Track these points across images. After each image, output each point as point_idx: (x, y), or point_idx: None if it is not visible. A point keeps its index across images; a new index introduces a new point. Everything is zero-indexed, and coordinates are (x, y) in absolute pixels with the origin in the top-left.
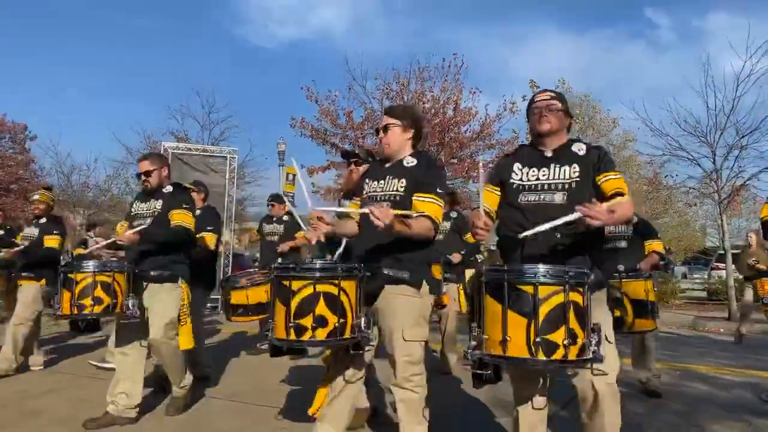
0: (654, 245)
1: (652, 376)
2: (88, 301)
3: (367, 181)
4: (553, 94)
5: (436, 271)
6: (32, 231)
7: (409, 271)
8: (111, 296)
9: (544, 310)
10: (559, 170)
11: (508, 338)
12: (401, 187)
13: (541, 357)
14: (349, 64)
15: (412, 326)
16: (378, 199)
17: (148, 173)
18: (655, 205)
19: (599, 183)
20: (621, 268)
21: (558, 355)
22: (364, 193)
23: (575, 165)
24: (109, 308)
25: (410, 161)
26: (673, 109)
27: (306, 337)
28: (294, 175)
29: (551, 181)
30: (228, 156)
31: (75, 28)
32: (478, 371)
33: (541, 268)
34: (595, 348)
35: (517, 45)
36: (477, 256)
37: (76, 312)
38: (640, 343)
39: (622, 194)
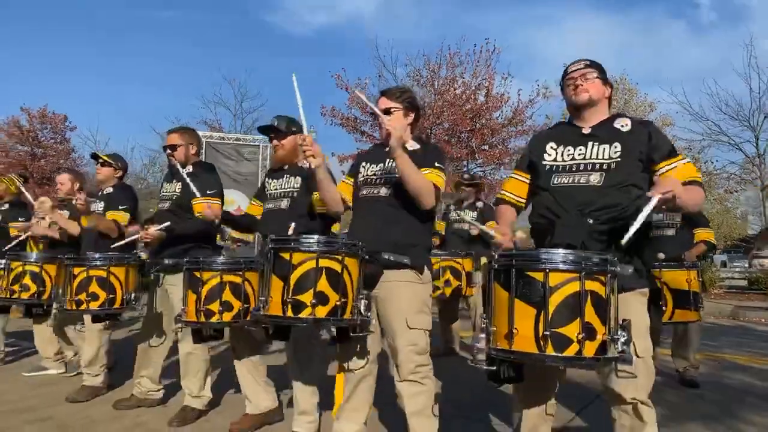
0: (703, 234)
1: (690, 367)
2: (83, 297)
3: (363, 164)
4: (587, 62)
5: (467, 264)
6: None
7: (410, 256)
8: (107, 292)
9: (555, 300)
10: (598, 149)
11: (515, 330)
12: None
13: (551, 352)
14: (379, 51)
15: (415, 313)
16: (377, 182)
17: (174, 147)
18: None
19: (660, 174)
20: (661, 256)
21: (571, 351)
22: (360, 176)
23: (617, 143)
24: (105, 304)
25: (413, 145)
26: (713, 93)
27: (305, 314)
28: None
29: (588, 161)
30: (260, 144)
31: (111, 20)
32: (489, 368)
33: (556, 253)
34: (623, 347)
35: (550, 27)
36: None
37: (74, 308)
38: (683, 334)
39: (696, 182)
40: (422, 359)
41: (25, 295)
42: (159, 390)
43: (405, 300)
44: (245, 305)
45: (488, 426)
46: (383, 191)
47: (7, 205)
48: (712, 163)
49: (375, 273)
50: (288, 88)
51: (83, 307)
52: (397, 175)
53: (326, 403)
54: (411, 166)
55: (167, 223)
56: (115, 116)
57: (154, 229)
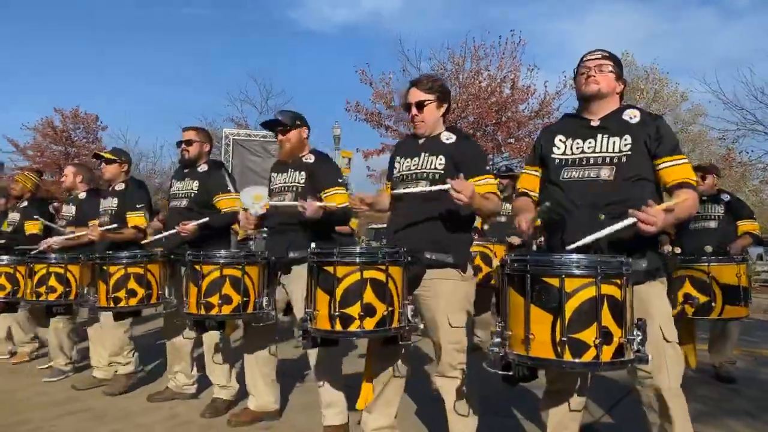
0: (748, 225)
1: (726, 362)
2: (122, 294)
3: (398, 159)
4: (605, 54)
5: (500, 251)
6: (14, 216)
7: (452, 254)
8: (145, 288)
9: (571, 306)
10: (607, 141)
11: (531, 336)
12: (440, 164)
13: (568, 358)
14: (403, 45)
15: (457, 311)
16: (414, 178)
17: (189, 142)
18: (728, 183)
19: (658, 169)
20: (708, 249)
21: (588, 356)
22: (396, 171)
23: (626, 136)
24: (144, 300)
25: (449, 137)
26: (748, 81)
27: (354, 327)
28: (350, 159)
29: (597, 154)
30: None
31: (140, 20)
32: (506, 372)
33: (569, 257)
34: (639, 347)
35: (577, 17)
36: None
37: (112, 305)
38: (722, 329)
39: (689, 185)
40: (464, 357)
41: (52, 297)
42: (193, 384)
43: (447, 298)
44: (245, 299)
45: (516, 422)
46: (421, 187)
47: (26, 203)
48: (747, 153)
49: (418, 274)
50: (311, 84)
51: (122, 303)
52: (433, 170)
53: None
54: (482, 202)
55: (206, 219)
56: (144, 115)
57: (192, 225)
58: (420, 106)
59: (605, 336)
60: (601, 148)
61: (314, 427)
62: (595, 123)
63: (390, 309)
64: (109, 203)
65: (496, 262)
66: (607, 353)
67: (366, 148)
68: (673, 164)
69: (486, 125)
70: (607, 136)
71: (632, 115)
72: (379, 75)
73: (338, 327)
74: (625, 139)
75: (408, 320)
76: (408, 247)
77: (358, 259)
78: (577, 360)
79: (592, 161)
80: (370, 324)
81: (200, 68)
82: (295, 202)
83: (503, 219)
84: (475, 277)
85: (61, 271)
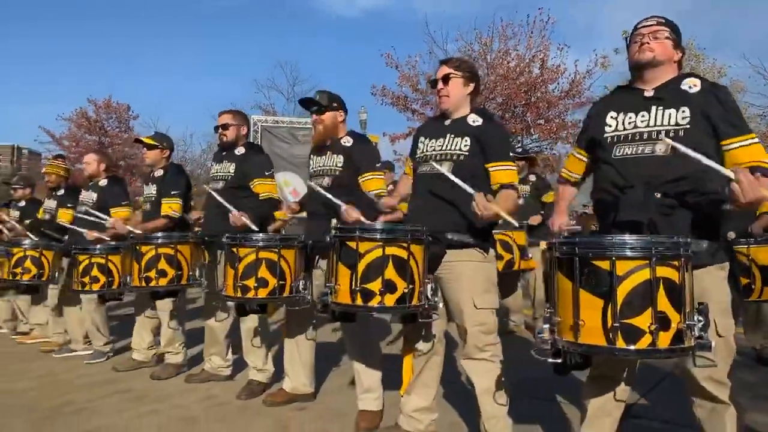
0: (766, 205)
1: (767, 344)
2: (153, 274)
3: (422, 139)
4: (660, 20)
5: (520, 237)
6: (51, 204)
7: (474, 235)
8: (175, 268)
9: (624, 290)
10: (663, 114)
11: (581, 322)
12: (465, 146)
13: (622, 345)
14: (429, 27)
15: (482, 293)
16: (438, 159)
17: (225, 126)
18: None
19: (725, 151)
20: (732, 235)
21: (643, 343)
22: (419, 152)
23: (684, 107)
24: (174, 281)
25: (475, 119)
26: None
27: (374, 302)
28: (376, 143)
29: (652, 128)
30: None
31: (169, 10)
32: (555, 360)
33: (621, 238)
34: (700, 333)
35: None
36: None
37: (144, 285)
38: (756, 311)
39: (762, 168)
40: (491, 338)
41: (96, 287)
42: (228, 366)
43: (472, 280)
44: (281, 282)
45: (554, 405)
46: (445, 168)
47: (62, 191)
48: None
49: (439, 254)
50: (338, 70)
51: (153, 284)
52: (458, 152)
53: (391, 381)
54: (506, 209)
55: (255, 228)
56: (174, 104)
57: (245, 221)
58: (446, 79)
59: (662, 321)
60: (655, 122)
61: (348, 409)
62: (648, 93)
63: (410, 287)
64: (150, 190)
65: (515, 248)
66: (665, 339)
67: (392, 132)
68: (742, 144)
69: (515, 106)
70: (662, 108)
71: (692, 84)
72: (405, 58)
73: (359, 301)
74: (683, 111)
75: (427, 298)
76: (429, 227)
77: (379, 236)
78: (631, 347)
79: (646, 136)
80: (390, 300)
81: (228, 57)
82: (338, 202)
83: (521, 201)
84: (497, 265)
85: (103, 261)
